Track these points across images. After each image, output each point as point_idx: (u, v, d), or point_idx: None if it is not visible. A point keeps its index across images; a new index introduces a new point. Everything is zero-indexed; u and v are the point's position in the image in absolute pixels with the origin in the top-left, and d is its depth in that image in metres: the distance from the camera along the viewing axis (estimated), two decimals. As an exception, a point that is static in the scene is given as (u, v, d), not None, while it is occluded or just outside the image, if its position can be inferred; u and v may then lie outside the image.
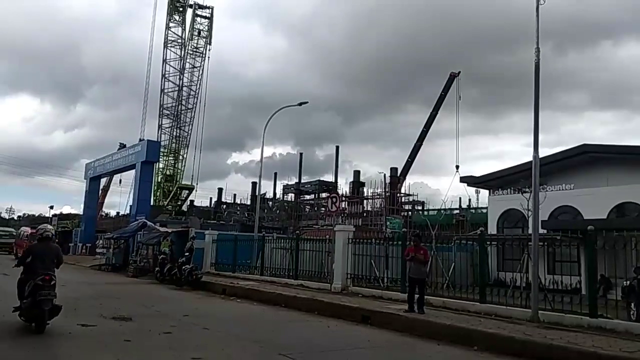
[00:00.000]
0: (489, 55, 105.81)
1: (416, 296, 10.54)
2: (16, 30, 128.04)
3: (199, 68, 50.16)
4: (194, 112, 49.86)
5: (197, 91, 49.93)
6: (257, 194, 37.71)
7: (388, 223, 35.86)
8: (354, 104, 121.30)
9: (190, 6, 50.88)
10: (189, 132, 49.95)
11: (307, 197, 62.10)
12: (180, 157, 50.32)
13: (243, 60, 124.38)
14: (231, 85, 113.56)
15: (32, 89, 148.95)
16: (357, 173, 57.29)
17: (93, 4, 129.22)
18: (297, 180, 64.10)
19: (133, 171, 37.66)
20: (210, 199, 74.96)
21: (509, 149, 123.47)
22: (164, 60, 49.54)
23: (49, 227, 9.31)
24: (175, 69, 50.03)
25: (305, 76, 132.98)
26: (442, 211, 43.35)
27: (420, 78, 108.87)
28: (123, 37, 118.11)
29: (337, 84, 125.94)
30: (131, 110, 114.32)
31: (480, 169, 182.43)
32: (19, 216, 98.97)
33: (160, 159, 45.41)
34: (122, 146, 45.88)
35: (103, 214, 65.64)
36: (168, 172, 50.11)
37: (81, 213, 47.78)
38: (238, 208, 68.97)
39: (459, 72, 46.46)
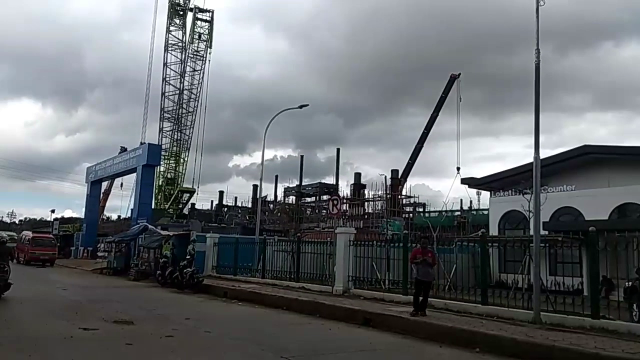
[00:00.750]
0: (490, 56, 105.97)
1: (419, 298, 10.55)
2: (18, 35, 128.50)
3: (199, 71, 50.26)
4: (195, 115, 49.94)
5: (197, 94, 50.03)
6: (258, 196, 37.77)
7: (388, 225, 35.79)
8: (355, 106, 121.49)
9: (191, 10, 50.99)
10: (190, 135, 50.03)
11: (308, 199, 62.05)
12: (182, 160, 50.37)
13: (244, 63, 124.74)
14: (233, 88, 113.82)
15: (34, 93, 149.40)
16: (358, 175, 57.21)
17: (95, 9, 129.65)
18: (298, 183, 64.08)
19: (134, 175, 37.65)
20: (212, 202, 75.11)
21: (511, 151, 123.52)
22: (165, 64, 49.65)
23: (4, 234, 13.36)
24: (176, 72, 50.13)
25: (306, 79, 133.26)
26: (443, 213, 43.44)
27: (421, 80, 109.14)
28: (125, 41, 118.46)
29: (338, 86, 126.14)
30: (132, 113, 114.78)
31: (481, 171, 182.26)
32: (20, 220, 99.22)
33: (162, 162, 45.39)
34: (123, 150, 45.89)
35: (104, 217, 65.71)
36: (169, 176, 50.13)
37: (82, 217, 47.77)
38: (239, 211, 68.99)
39: (459, 74, 46.51)
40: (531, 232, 12.54)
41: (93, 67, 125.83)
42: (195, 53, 50.40)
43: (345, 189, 56.55)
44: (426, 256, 10.83)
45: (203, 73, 50.13)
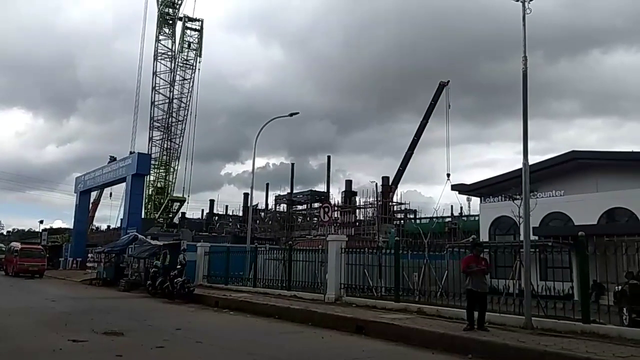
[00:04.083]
0: (482, 64, 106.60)
1: (473, 311, 9.80)
2: (10, 44, 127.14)
3: (189, 80, 50.19)
4: (185, 124, 49.83)
5: (187, 103, 49.95)
6: (249, 205, 37.66)
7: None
8: (349, 113, 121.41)
9: (180, 19, 51.02)
10: (180, 144, 49.90)
11: (300, 207, 61.99)
12: (172, 169, 50.15)
13: (240, 71, 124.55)
14: (228, 96, 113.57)
15: (25, 103, 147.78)
16: (349, 183, 57.25)
17: (89, 19, 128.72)
18: (289, 191, 63.99)
19: (124, 184, 37.47)
20: (202, 210, 74.55)
21: (501, 157, 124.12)
22: (154, 73, 49.56)
23: None
24: (165, 81, 50.02)
25: (301, 86, 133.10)
26: (434, 219, 43.56)
27: (414, 87, 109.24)
28: (118, 51, 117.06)
29: (332, 94, 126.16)
30: (123, 123, 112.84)
31: (472, 177, 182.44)
32: (8, 231, 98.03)
33: (151, 172, 45.27)
34: (113, 159, 45.60)
35: (94, 227, 65.16)
36: (159, 185, 49.87)
37: (72, 227, 47.35)
38: (230, 220, 68.60)
39: (448, 81, 46.92)
40: (521, 238, 12.60)
41: (84, 76, 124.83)
42: (184, 62, 50.37)
43: (336, 197, 56.61)
44: (480, 264, 10.18)
45: (193, 82, 50.13)
